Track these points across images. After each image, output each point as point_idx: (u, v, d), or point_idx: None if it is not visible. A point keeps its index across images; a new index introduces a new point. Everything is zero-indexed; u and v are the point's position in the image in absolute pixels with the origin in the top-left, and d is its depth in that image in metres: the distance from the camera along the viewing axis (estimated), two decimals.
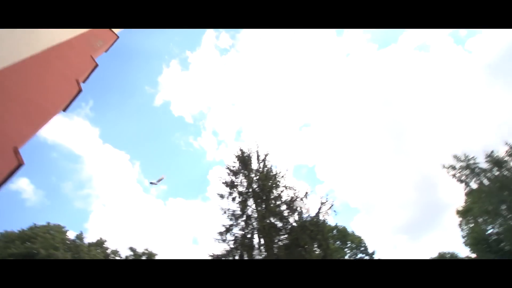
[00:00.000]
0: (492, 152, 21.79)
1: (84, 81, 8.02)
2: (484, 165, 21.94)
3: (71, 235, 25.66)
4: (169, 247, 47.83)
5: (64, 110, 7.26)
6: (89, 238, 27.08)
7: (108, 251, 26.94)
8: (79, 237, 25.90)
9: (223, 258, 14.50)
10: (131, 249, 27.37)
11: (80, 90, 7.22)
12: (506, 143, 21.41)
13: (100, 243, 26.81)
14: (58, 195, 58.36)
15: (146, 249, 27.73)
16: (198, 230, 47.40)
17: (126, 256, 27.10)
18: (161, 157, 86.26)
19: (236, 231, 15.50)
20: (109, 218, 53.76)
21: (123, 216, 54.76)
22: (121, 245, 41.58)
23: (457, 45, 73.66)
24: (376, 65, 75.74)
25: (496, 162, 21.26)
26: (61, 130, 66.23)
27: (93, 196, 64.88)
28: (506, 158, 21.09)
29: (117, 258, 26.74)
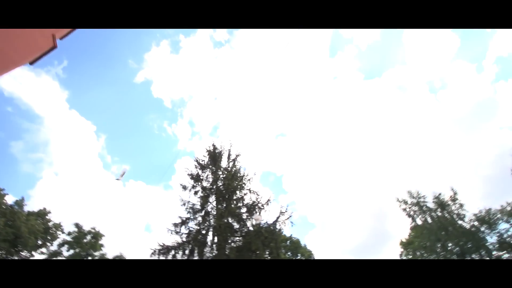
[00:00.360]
0: (439, 194, 24.17)
1: (61, 38, 7.52)
2: (431, 204, 24.25)
3: (9, 199, 23.30)
4: (119, 231, 45.36)
5: (32, 63, 6.74)
6: (30, 207, 24.86)
7: (50, 223, 24.85)
8: (19, 203, 23.57)
9: (172, 252, 14.19)
10: (77, 225, 25.57)
11: (54, 46, 6.76)
12: (452, 189, 23.91)
13: (42, 214, 24.64)
14: (3, 154, 52.75)
15: (93, 228, 26.07)
16: (153, 218, 45.68)
17: (69, 232, 25.25)
18: (131, 135, 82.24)
19: (192, 225, 15.32)
20: (59, 188, 49.64)
21: (75, 189, 50.94)
22: (67, 219, 38.68)
23: (431, 93, 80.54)
24: (358, 93, 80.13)
25: (440, 204, 23.60)
26: (24, 84, 60.31)
27: (45, 162, 59.76)
28: (449, 202, 23.51)
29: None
